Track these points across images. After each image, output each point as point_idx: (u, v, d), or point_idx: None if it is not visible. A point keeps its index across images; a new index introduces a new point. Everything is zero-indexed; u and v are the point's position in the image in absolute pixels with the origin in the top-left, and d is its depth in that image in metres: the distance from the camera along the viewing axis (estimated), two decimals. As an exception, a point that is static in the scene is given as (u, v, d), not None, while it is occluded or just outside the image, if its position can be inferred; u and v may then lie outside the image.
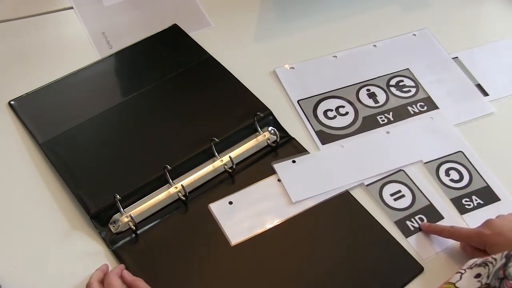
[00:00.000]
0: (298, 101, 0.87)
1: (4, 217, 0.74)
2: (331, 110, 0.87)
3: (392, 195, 0.77)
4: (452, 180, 0.79)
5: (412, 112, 0.87)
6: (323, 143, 0.82)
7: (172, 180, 0.76)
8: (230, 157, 0.78)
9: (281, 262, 0.71)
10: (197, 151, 0.79)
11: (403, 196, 0.77)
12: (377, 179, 0.78)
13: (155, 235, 0.73)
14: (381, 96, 0.89)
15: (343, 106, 0.87)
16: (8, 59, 0.92)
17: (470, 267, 0.58)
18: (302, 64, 0.92)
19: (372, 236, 0.73)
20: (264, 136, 0.82)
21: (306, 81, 0.90)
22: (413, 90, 0.90)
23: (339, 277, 0.69)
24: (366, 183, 0.78)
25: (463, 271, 0.58)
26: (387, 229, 0.74)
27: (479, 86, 0.91)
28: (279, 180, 0.78)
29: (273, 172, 0.79)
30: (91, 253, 0.71)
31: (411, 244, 0.72)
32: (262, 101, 0.85)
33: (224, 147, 0.80)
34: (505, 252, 0.57)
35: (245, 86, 0.87)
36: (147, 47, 0.94)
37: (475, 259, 0.58)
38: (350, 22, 1.00)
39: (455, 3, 1.04)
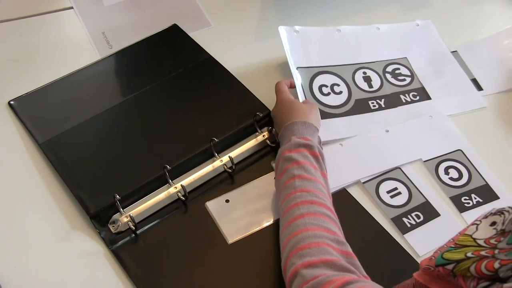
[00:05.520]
0: (297, 68, 0.87)
1: (4, 217, 0.74)
2: (326, 86, 0.86)
3: (388, 192, 0.77)
4: (451, 179, 0.79)
5: (404, 101, 0.87)
6: None
7: (171, 180, 0.76)
8: (229, 157, 0.78)
9: (278, 260, 0.70)
10: (196, 151, 0.79)
11: (399, 193, 0.77)
12: (374, 176, 0.79)
13: (154, 235, 0.73)
14: (376, 81, 0.89)
15: (338, 85, 0.87)
16: (8, 59, 0.92)
17: (485, 217, 0.58)
18: (306, 29, 0.91)
19: (370, 233, 0.73)
20: (263, 136, 0.82)
21: (308, 49, 0.89)
22: (408, 79, 0.90)
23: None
24: (363, 180, 0.78)
25: (478, 222, 0.58)
26: (384, 226, 0.74)
27: (474, 81, 0.91)
28: (275, 178, 0.78)
29: (270, 170, 0.79)
30: (90, 253, 0.71)
31: (408, 241, 0.73)
32: (262, 101, 0.85)
33: (223, 147, 0.80)
34: None
35: (245, 86, 0.87)
36: (147, 47, 0.94)
37: (491, 209, 0.58)
38: (350, 22, 1.00)
39: (455, 3, 1.04)
